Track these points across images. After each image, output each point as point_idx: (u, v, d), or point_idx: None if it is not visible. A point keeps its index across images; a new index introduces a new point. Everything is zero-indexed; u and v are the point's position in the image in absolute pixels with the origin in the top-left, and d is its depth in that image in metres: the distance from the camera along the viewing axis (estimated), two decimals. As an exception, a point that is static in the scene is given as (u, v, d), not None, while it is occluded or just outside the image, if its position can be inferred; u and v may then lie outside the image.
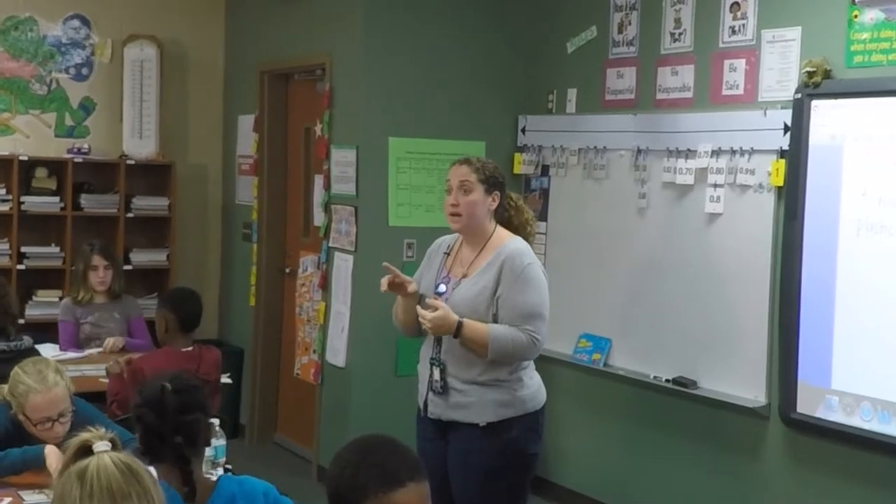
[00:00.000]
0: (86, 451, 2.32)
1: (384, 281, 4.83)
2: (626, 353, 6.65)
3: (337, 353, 7.30)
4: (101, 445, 2.32)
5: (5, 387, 4.29)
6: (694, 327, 6.20)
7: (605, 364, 6.75)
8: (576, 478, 7.08)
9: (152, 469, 2.56)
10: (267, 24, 8.36)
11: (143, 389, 3.42)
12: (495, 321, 4.66)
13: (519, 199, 5.08)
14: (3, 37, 8.32)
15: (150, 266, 8.59)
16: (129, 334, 7.01)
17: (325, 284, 7.47)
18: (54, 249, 8.26)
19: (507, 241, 4.78)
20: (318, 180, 7.66)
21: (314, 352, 7.65)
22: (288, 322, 8.34)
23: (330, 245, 7.43)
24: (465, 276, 4.79)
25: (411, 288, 4.86)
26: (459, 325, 4.62)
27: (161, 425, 3.29)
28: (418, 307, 4.78)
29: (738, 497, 6.04)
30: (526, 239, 4.88)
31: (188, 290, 6.18)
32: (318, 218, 7.65)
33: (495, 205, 4.82)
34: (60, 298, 7.63)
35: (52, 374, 4.26)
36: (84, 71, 8.61)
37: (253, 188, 8.51)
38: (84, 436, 2.35)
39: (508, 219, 4.92)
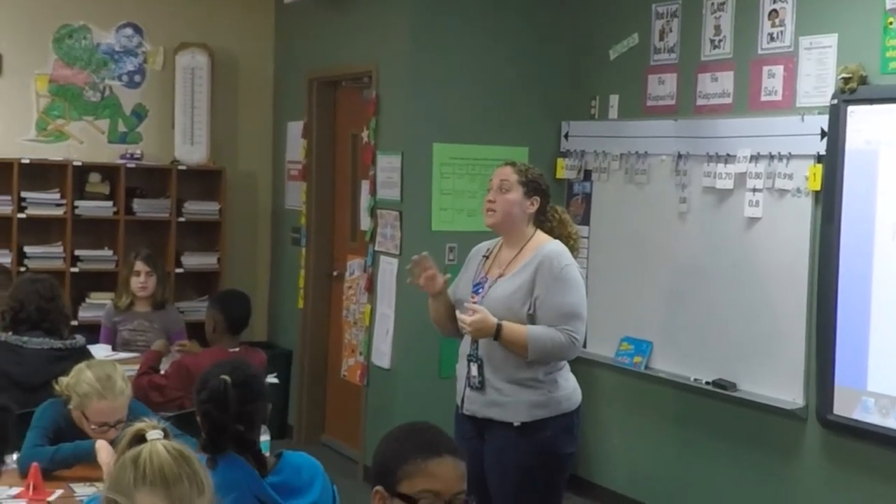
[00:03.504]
0: (139, 439, 2.43)
1: (417, 271, 4.96)
2: (667, 356, 6.72)
3: (382, 355, 7.42)
4: (153, 434, 2.44)
5: (64, 379, 4.41)
6: (734, 330, 6.26)
7: (647, 367, 6.83)
8: (617, 479, 7.15)
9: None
10: (315, 33, 8.50)
11: (205, 386, 3.58)
12: (531, 321, 4.74)
13: (564, 213, 5.13)
14: (57, 45, 8.51)
15: (201, 269, 8.76)
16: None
17: (370, 287, 7.60)
18: (107, 253, 8.44)
19: (545, 244, 4.84)
20: (365, 186, 7.79)
21: (360, 354, 7.78)
22: (335, 324, 8.46)
23: (375, 249, 7.56)
24: (501, 275, 4.86)
25: (440, 281, 4.97)
26: (499, 327, 4.69)
27: (224, 418, 3.50)
28: (457, 312, 4.87)
29: (775, 498, 6.10)
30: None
31: (238, 293, 6.31)
32: (364, 222, 7.78)
33: (534, 209, 4.89)
34: (112, 301, 7.77)
35: (120, 382, 4.33)
36: (136, 78, 8.79)
37: (301, 193, 8.64)
38: (138, 425, 2.47)
39: (550, 230, 4.97)
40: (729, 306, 6.29)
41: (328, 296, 8.57)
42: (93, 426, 4.28)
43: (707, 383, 6.37)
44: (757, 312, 6.13)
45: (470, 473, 2.78)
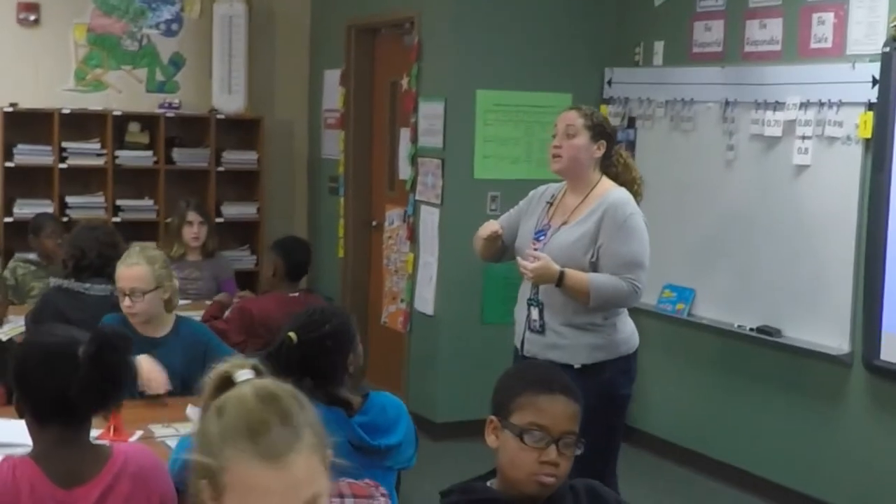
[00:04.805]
0: (227, 382, 2.10)
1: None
2: (711, 303, 6.77)
3: (426, 302, 7.48)
4: (242, 374, 2.11)
5: None
6: (779, 277, 6.30)
7: (689, 314, 6.87)
8: (661, 425, 7.21)
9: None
10: (354, -20, 8.52)
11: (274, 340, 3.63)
12: (593, 269, 4.76)
13: (629, 157, 5.14)
14: (95, -6, 8.54)
15: (241, 219, 8.79)
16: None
17: (412, 236, 7.64)
18: (148, 202, 8.48)
19: (610, 191, 4.86)
20: (405, 134, 7.81)
21: (402, 301, 7.84)
22: (375, 273, 8.52)
23: (416, 198, 7.59)
24: (564, 223, 4.88)
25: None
26: (562, 275, 4.71)
27: (283, 376, 3.52)
28: (518, 258, 4.89)
29: (821, 443, 6.17)
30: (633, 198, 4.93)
31: (299, 239, 6.38)
32: (405, 171, 7.81)
33: (600, 153, 4.89)
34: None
35: (138, 256, 4.68)
36: (174, 27, 8.80)
37: (339, 142, 8.66)
38: (222, 367, 2.13)
39: (615, 175, 4.97)
40: (775, 253, 6.33)
41: (368, 245, 8.62)
42: (119, 294, 4.64)
43: (751, 330, 6.41)
44: (803, 259, 6.17)
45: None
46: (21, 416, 2.88)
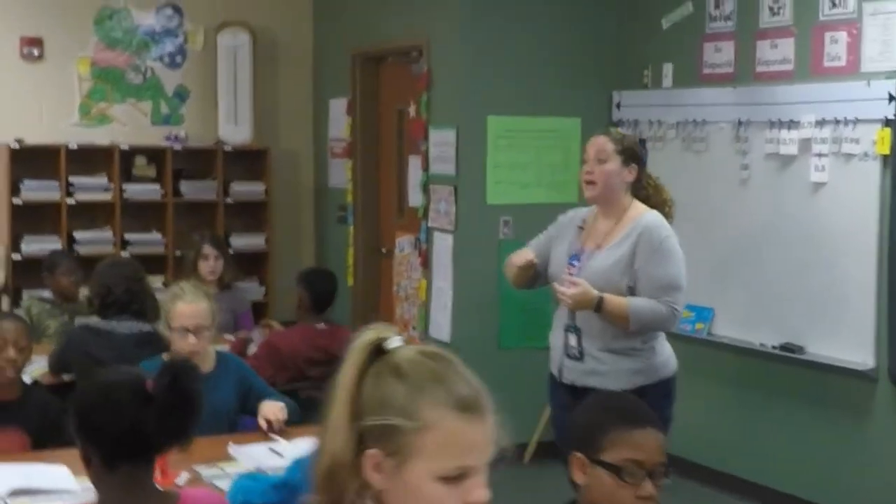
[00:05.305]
0: (378, 350, 2.00)
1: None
2: (730, 322, 6.76)
3: (441, 328, 7.46)
4: (395, 341, 2.01)
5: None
6: (800, 294, 6.30)
7: (709, 333, 6.86)
8: (685, 446, 7.11)
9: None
10: (359, 8, 8.51)
11: None
12: (630, 293, 4.75)
13: (658, 179, 5.13)
14: (98, 27, 8.51)
15: (250, 250, 8.76)
16: (235, 328, 6.93)
17: (426, 263, 7.63)
18: (156, 236, 8.45)
19: (643, 214, 4.84)
20: (414, 161, 7.81)
21: (413, 328, 7.82)
22: (385, 300, 8.49)
23: (429, 225, 7.58)
24: (598, 247, 4.85)
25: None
26: (601, 300, 4.69)
27: None
28: (555, 285, 4.86)
29: (847, 458, 6.15)
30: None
31: (323, 270, 6.36)
32: (416, 199, 7.80)
33: (632, 177, 4.88)
34: (164, 284, 7.79)
35: (201, 293, 4.70)
36: (177, 59, 8.79)
37: (347, 171, 8.65)
38: (370, 335, 2.01)
39: (646, 197, 4.96)
40: (795, 270, 6.33)
41: (377, 273, 8.60)
42: (175, 333, 4.58)
43: (774, 347, 6.41)
44: (824, 276, 6.17)
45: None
46: (87, 465, 2.80)
